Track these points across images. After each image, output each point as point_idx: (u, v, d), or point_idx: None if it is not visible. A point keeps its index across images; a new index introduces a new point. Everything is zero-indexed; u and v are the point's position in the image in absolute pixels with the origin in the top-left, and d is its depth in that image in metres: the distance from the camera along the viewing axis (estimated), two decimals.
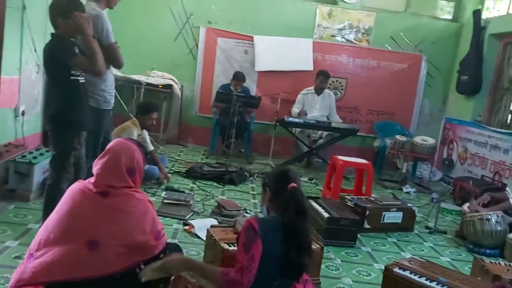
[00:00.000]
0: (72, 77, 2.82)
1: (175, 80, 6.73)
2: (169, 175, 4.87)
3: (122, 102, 5.89)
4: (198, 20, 6.92)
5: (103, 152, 2.22)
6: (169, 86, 6.52)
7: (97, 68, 2.89)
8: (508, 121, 6.05)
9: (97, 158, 2.22)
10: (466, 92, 6.60)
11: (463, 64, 6.65)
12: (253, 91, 6.88)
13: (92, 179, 2.18)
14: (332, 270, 3.10)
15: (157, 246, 2.19)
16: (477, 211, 4.02)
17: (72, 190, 2.18)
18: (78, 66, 2.85)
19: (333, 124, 6.05)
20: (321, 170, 6.13)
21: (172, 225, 3.52)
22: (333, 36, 7.13)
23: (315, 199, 4.10)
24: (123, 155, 2.17)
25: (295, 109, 6.48)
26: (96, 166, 2.19)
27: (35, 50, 4.26)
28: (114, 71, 3.58)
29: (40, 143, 4.56)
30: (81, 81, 2.90)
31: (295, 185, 2.08)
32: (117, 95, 5.40)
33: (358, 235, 3.71)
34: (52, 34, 2.87)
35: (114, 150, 2.19)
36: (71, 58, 2.79)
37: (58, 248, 2.00)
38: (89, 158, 3.25)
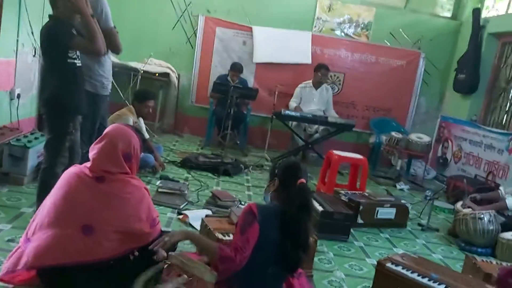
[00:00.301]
0: (69, 60, 2.79)
1: (172, 68, 6.68)
2: (164, 164, 4.86)
3: (118, 89, 5.85)
4: (197, 9, 6.86)
5: (100, 137, 2.20)
6: (166, 75, 6.48)
7: (97, 47, 2.85)
8: (504, 121, 6.07)
9: (94, 143, 2.21)
10: (462, 91, 6.61)
11: (461, 62, 6.65)
12: (251, 82, 6.85)
13: (88, 164, 2.17)
14: (324, 264, 3.11)
15: (152, 233, 2.19)
16: (470, 207, 4.04)
17: (68, 174, 2.17)
18: (78, 46, 2.82)
19: (329, 119, 6.04)
20: (316, 164, 6.13)
21: (166, 214, 3.51)
22: (332, 30, 7.10)
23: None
24: (120, 141, 2.15)
25: (293, 103, 6.46)
26: (93, 151, 2.18)
27: (32, 33, 4.21)
28: (111, 57, 3.55)
29: (35, 127, 4.52)
30: (78, 64, 2.87)
31: (304, 181, 2.07)
32: (113, 82, 5.36)
33: (351, 230, 3.72)
34: (50, 16, 2.84)
35: (111, 135, 2.18)
36: (70, 39, 2.75)
37: (53, 232, 1.99)
38: (85, 143, 3.24)
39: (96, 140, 2.20)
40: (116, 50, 3.35)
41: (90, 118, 3.36)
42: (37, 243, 1.98)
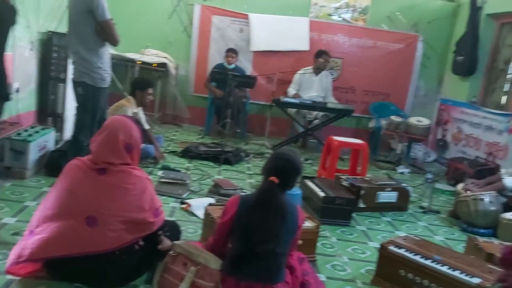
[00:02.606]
0: None
1: (170, 58, 6.66)
2: (165, 154, 4.87)
3: (116, 81, 5.84)
4: None
5: (101, 129, 2.21)
6: (164, 65, 6.45)
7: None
8: (503, 102, 6.07)
9: (95, 135, 2.22)
10: (461, 73, 6.59)
11: (459, 44, 6.63)
12: (249, 70, 6.82)
13: (90, 156, 2.18)
14: (327, 248, 3.14)
15: (155, 222, 2.21)
16: (470, 190, 4.06)
17: (70, 167, 2.18)
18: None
19: (328, 105, 6.04)
20: (317, 150, 6.15)
21: (169, 204, 3.53)
22: (329, 15, 7.06)
23: (311, 179, 4.12)
24: (121, 132, 2.16)
25: (291, 90, 6.46)
26: (94, 143, 2.19)
27: (29, 27, 4.19)
28: (109, 49, 3.55)
29: (35, 121, 4.52)
30: None
31: (274, 179, 2.03)
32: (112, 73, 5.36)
33: (353, 214, 3.74)
34: None
35: (111, 126, 2.19)
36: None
37: (57, 224, 2.01)
38: (86, 136, 3.25)
39: (97, 132, 2.21)
40: (113, 42, 3.35)
41: (90, 111, 3.37)
42: (42, 235, 1.99)
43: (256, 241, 1.97)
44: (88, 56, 3.19)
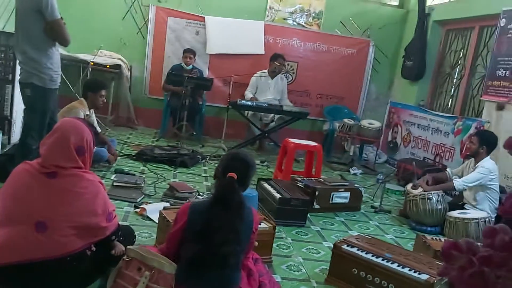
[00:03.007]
0: None
1: (124, 60, 6.54)
2: (119, 157, 4.78)
3: (68, 83, 5.67)
4: None
5: (51, 131, 2.14)
6: (117, 66, 6.33)
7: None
8: (449, 105, 6.35)
9: (45, 138, 2.15)
10: (410, 77, 6.86)
11: (408, 49, 6.89)
12: (205, 73, 6.81)
13: (39, 160, 2.11)
14: (283, 249, 3.18)
15: (108, 227, 2.16)
16: (420, 187, 4.21)
17: (18, 171, 2.10)
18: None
19: (284, 108, 6.12)
20: (273, 153, 6.21)
21: (123, 208, 3.46)
22: (284, 19, 7.16)
23: (267, 180, 4.16)
24: (72, 134, 2.10)
25: (248, 93, 6.49)
26: (43, 146, 2.11)
27: None
28: (59, 49, 3.45)
29: None
30: None
31: (233, 175, 2.05)
32: (63, 75, 5.19)
33: (308, 215, 3.81)
34: None
35: (62, 129, 2.12)
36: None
37: (5, 231, 1.93)
38: (35, 139, 3.14)
39: (47, 135, 2.15)
40: (63, 42, 3.26)
41: (38, 113, 3.26)
42: None
43: (217, 243, 1.94)
44: (36, 56, 3.08)
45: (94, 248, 2.14)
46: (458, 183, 4.10)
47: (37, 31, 3.14)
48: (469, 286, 0.60)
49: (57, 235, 1.99)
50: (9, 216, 1.97)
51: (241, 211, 2.04)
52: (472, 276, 0.60)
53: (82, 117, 4.13)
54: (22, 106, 3.41)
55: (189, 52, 6.38)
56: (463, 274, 0.60)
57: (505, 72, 4.83)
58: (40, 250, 1.95)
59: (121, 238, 2.30)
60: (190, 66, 6.39)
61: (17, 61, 3.58)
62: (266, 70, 6.50)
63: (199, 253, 1.97)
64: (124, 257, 2.13)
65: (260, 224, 2.86)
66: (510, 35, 4.85)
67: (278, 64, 6.41)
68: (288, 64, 7.03)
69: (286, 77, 6.93)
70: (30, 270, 1.94)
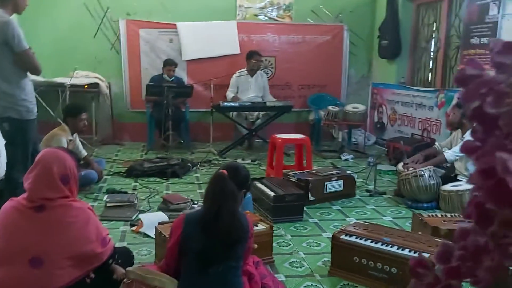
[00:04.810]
0: None
1: (101, 78, 6.49)
2: (109, 176, 4.77)
3: (47, 108, 5.62)
4: (116, 13, 6.68)
5: (33, 164, 2.12)
6: (96, 85, 6.28)
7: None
8: (429, 79, 6.39)
9: (27, 172, 2.13)
10: (388, 56, 6.88)
11: (382, 29, 6.91)
12: (185, 79, 6.78)
13: (24, 195, 2.09)
14: (283, 247, 3.18)
15: (104, 252, 2.15)
16: (411, 168, 4.24)
17: (5, 209, 2.08)
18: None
19: (267, 104, 6.12)
20: (263, 150, 6.21)
21: (119, 228, 3.44)
22: (256, 15, 7.14)
23: (260, 179, 4.16)
24: (54, 164, 2.08)
25: (230, 93, 6.48)
26: (28, 180, 2.09)
27: None
28: (32, 77, 3.41)
29: None
30: None
31: (224, 171, 2.09)
32: (41, 101, 5.16)
33: (304, 208, 3.81)
34: None
35: (44, 160, 2.10)
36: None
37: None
38: (20, 172, 3.10)
39: (29, 169, 2.12)
40: (35, 71, 3.22)
41: (21, 146, 3.22)
42: None
43: (220, 233, 1.96)
44: (9, 90, 3.05)
45: (93, 275, 2.12)
46: (449, 154, 4.13)
47: (6, 64, 3.10)
48: None
49: (53, 268, 1.97)
50: (1, 256, 1.95)
51: (235, 198, 2.05)
52: None
53: (65, 143, 4.10)
54: (3, 141, 3.37)
55: (171, 65, 6.32)
56: None
57: (479, 40, 4.86)
58: (38, 285, 1.93)
59: (119, 261, 2.29)
60: (173, 78, 6.36)
61: None
62: (245, 69, 6.49)
63: (205, 247, 1.97)
64: (125, 280, 2.12)
65: (257, 226, 2.86)
66: (478, 2, 4.88)
67: (255, 61, 6.40)
68: (266, 60, 7.02)
69: (266, 73, 6.92)
70: None
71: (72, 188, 2.16)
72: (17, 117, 3.13)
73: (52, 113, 5.76)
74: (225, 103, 5.93)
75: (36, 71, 3.22)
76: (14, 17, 3.18)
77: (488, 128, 0.57)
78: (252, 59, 6.39)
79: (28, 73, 3.25)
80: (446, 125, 5.31)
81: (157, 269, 2.17)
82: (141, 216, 3.52)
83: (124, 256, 2.45)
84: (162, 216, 3.44)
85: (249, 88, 6.51)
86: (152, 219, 3.41)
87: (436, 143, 4.58)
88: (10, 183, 3.25)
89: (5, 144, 3.30)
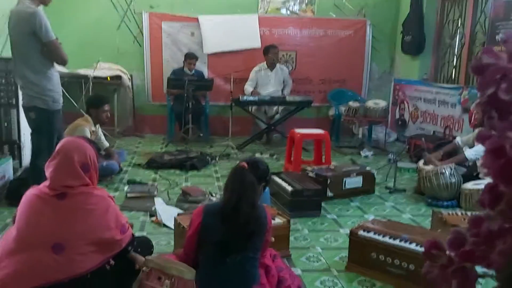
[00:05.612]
0: None
1: (123, 70, 6.57)
2: (130, 168, 4.83)
3: (71, 99, 5.72)
4: (140, 6, 6.74)
5: (54, 153, 2.17)
6: (118, 77, 6.36)
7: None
8: (453, 76, 6.29)
9: (48, 160, 2.17)
10: (411, 52, 6.79)
11: (406, 24, 6.81)
12: (205, 73, 6.81)
13: (47, 183, 2.14)
14: (300, 241, 3.19)
15: (124, 239, 2.19)
16: (432, 163, 4.18)
17: (28, 197, 2.13)
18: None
19: (287, 98, 6.11)
20: (281, 144, 6.20)
21: (139, 218, 3.50)
22: (277, 9, 7.12)
23: (278, 174, 4.16)
24: (75, 153, 2.13)
25: (248, 87, 6.48)
26: (49, 169, 2.14)
27: None
28: (58, 68, 3.48)
29: None
30: None
31: (244, 164, 2.13)
32: (65, 92, 5.24)
33: (322, 204, 3.80)
34: None
35: (64, 149, 2.15)
36: None
37: (21, 257, 1.96)
38: (45, 160, 3.16)
39: (50, 157, 2.17)
40: (61, 62, 3.28)
41: (45, 135, 3.30)
42: (6, 271, 1.94)
43: (239, 224, 1.99)
44: (36, 79, 3.11)
45: (112, 262, 2.17)
46: (469, 153, 4.07)
47: (34, 55, 3.17)
48: (450, 284, 0.60)
49: (75, 254, 2.02)
50: (25, 242, 2.00)
51: (254, 188, 2.08)
52: (454, 273, 0.60)
53: (88, 134, 4.17)
54: (29, 129, 3.45)
55: (192, 58, 6.37)
56: (445, 273, 0.61)
57: None
58: (60, 271, 1.98)
59: (138, 250, 2.33)
60: (193, 71, 6.40)
61: (18, 86, 3.63)
62: (265, 63, 6.48)
63: (224, 237, 2.01)
64: (144, 268, 2.16)
65: (274, 219, 2.87)
66: None
67: (272, 54, 6.39)
68: (286, 54, 7.00)
69: (286, 67, 6.90)
70: None
71: (92, 177, 2.20)
72: (44, 107, 3.20)
73: (75, 104, 5.87)
74: (245, 97, 5.94)
75: (63, 62, 3.28)
76: (40, 8, 3.24)
77: (502, 115, 0.57)
78: (268, 53, 6.38)
79: (55, 64, 3.32)
80: (469, 123, 5.22)
81: (175, 259, 2.21)
82: (157, 207, 3.57)
83: (144, 245, 2.49)
84: (177, 211, 3.48)
85: (269, 82, 6.51)
86: (168, 211, 3.47)
87: (457, 138, 4.50)
88: (35, 171, 3.33)
89: (31, 133, 3.40)
